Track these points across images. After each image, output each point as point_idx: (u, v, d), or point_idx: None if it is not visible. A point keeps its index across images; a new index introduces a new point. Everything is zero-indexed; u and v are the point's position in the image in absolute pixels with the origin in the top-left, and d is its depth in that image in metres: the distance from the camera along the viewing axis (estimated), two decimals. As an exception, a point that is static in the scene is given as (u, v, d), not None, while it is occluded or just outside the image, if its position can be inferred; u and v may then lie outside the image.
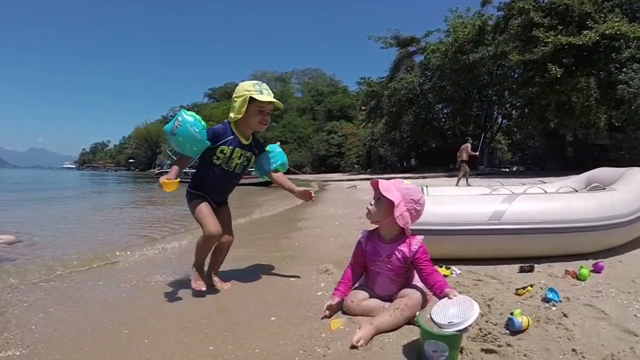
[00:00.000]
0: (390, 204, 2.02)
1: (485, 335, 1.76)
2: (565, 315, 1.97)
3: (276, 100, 2.65)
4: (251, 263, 3.47)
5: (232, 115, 2.61)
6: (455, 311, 1.67)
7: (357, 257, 2.22)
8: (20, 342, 1.97)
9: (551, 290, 2.23)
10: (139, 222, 6.86)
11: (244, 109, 2.57)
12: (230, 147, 2.64)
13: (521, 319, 1.82)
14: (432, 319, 1.67)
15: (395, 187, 2.06)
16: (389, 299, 2.08)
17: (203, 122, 2.50)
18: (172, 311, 2.38)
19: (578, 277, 2.57)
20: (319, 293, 2.55)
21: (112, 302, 2.61)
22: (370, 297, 2.13)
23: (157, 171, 32.93)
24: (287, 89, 76.81)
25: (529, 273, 2.74)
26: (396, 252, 2.05)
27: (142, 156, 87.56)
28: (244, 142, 2.69)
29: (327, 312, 2.10)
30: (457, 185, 11.62)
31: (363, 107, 40.06)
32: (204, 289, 2.60)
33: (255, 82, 2.62)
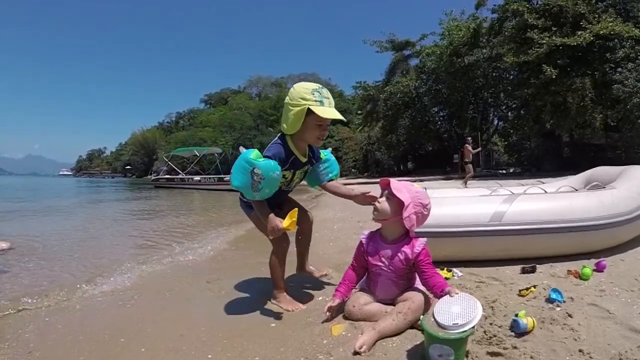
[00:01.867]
0: (400, 204, 2.00)
1: (490, 337, 1.73)
2: (570, 316, 1.95)
3: (340, 116, 2.24)
4: (249, 269, 3.44)
5: (285, 126, 2.26)
6: (458, 310, 1.65)
7: (359, 258, 2.18)
8: (14, 351, 1.94)
9: (555, 290, 2.20)
10: (136, 231, 6.81)
11: (300, 123, 2.20)
12: (292, 171, 2.39)
13: (526, 321, 1.79)
14: (435, 319, 1.64)
15: (405, 188, 2.05)
16: (391, 302, 2.05)
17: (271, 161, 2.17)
18: (169, 319, 2.35)
19: (581, 276, 2.55)
20: (320, 298, 2.51)
21: (107, 310, 2.58)
22: (373, 301, 2.10)
23: (153, 177, 32.88)
24: (283, 94, 76.54)
25: (531, 274, 2.72)
26: (398, 254, 2.02)
27: (138, 162, 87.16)
28: (303, 159, 2.40)
29: (328, 314, 2.07)
30: (465, 186, 11.50)
31: (359, 111, 40.08)
32: (303, 306, 2.36)
33: (314, 87, 2.22)
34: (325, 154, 2.65)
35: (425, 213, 2.08)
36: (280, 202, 2.56)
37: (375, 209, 2.09)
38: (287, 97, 2.24)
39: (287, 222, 2.07)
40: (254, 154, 2.18)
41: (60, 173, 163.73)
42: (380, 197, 2.11)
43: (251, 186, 2.15)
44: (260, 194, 2.19)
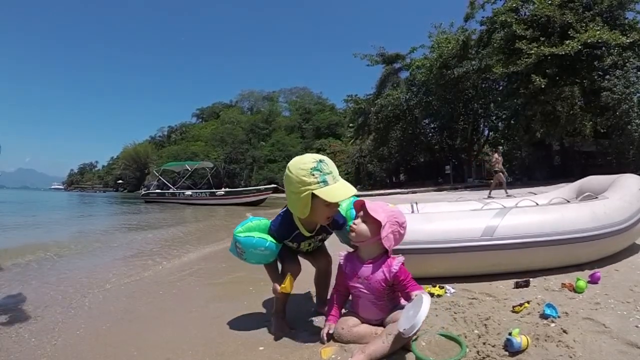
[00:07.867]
0: (377, 225, 1.97)
1: (484, 358, 1.69)
2: (564, 332, 1.91)
3: (351, 192, 2.00)
4: (237, 289, 3.37)
5: (292, 210, 2.14)
6: (412, 313, 1.65)
7: (340, 280, 2.17)
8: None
9: (549, 305, 2.16)
10: (127, 246, 6.69)
11: (308, 209, 2.00)
12: (296, 244, 2.28)
13: (520, 339, 1.74)
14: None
15: (381, 208, 2.03)
16: (380, 323, 2.00)
17: (265, 236, 2.16)
18: (155, 341, 2.27)
19: (575, 289, 2.51)
20: (309, 319, 2.45)
21: (91, 332, 2.49)
22: (361, 322, 2.05)
23: (143, 192, 32.74)
24: (275, 108, 77.22)
25: (525, 288, 2.67)
26: (376, 274, 1.99)
27: (130, 177, 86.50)
28: (307, 234, 2.23)
29: (325, 339, 2.01)
30: (506, 194, 11.34)
31: (351, 124, 40.45)
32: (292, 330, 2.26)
33: (312, 166, 1.95)
34: (351, 214, 2.32)
35: (402, 232, 2.05)
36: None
37: (353, 231, 2.04)
38: (285, 180, 2.04)
39: (284, 285, 2.13)
40: (244, 226, 2.21)
41: (52, 187, 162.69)
42: (356, 219, 2.07)
43: (238, 255, 2.27)
44: (246, 262, 2.29)
